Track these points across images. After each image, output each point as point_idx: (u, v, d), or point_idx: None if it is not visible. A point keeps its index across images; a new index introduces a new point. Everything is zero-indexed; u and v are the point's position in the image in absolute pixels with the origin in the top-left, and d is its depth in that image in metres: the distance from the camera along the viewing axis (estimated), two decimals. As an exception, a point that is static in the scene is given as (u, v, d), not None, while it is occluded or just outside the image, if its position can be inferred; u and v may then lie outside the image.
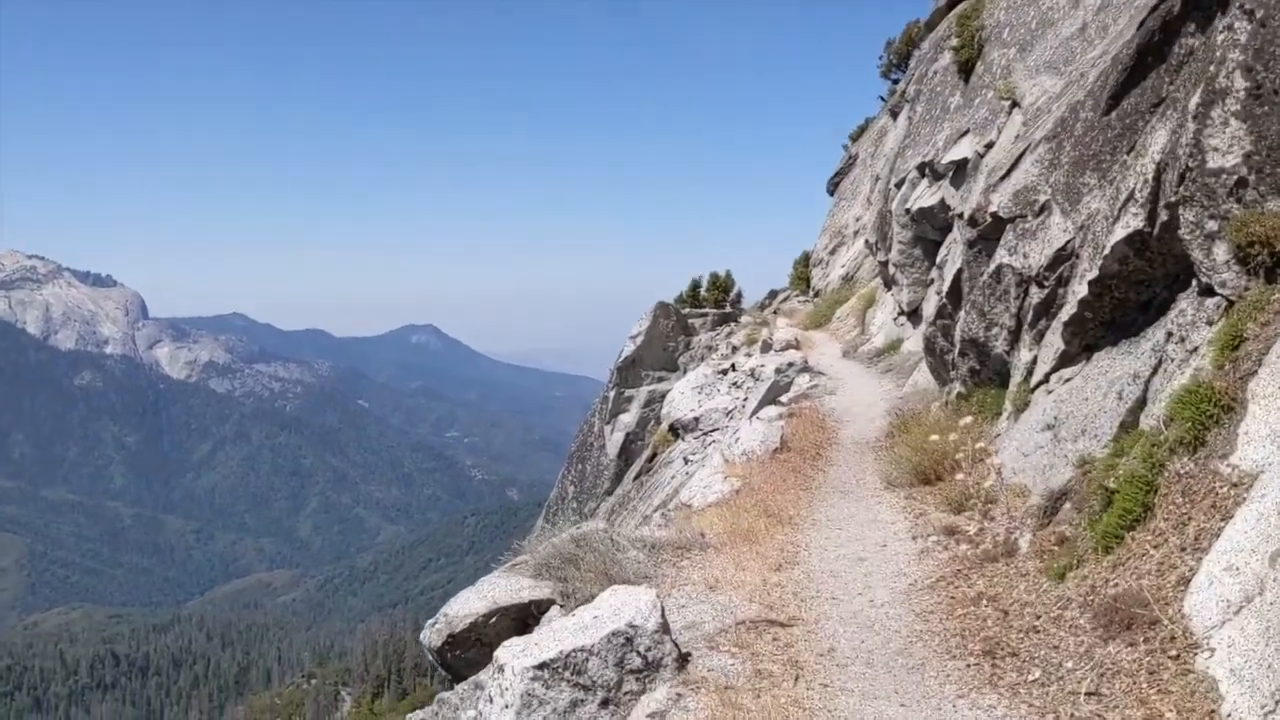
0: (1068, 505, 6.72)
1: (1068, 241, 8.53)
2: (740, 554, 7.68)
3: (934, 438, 9.42)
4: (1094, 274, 7.57)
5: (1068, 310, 8.06)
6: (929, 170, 19.35)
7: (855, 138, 44.59)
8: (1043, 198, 9.45)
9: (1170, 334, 6.67)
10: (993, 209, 10.45)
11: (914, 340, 20.33)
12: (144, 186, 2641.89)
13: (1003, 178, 11.14)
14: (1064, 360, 8.29)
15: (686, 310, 36.16)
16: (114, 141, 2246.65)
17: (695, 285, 38.89)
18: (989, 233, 10.72)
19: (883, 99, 40.87)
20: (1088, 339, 8.02)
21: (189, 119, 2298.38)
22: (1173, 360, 6.50)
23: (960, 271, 11.49)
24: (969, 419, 10.06)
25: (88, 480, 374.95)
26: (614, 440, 34.49)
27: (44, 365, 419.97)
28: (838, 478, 10.41)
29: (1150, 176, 7.03)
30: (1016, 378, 9.30)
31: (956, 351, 10.48)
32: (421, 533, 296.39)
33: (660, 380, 34.17)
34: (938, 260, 19.21)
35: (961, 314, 10.71)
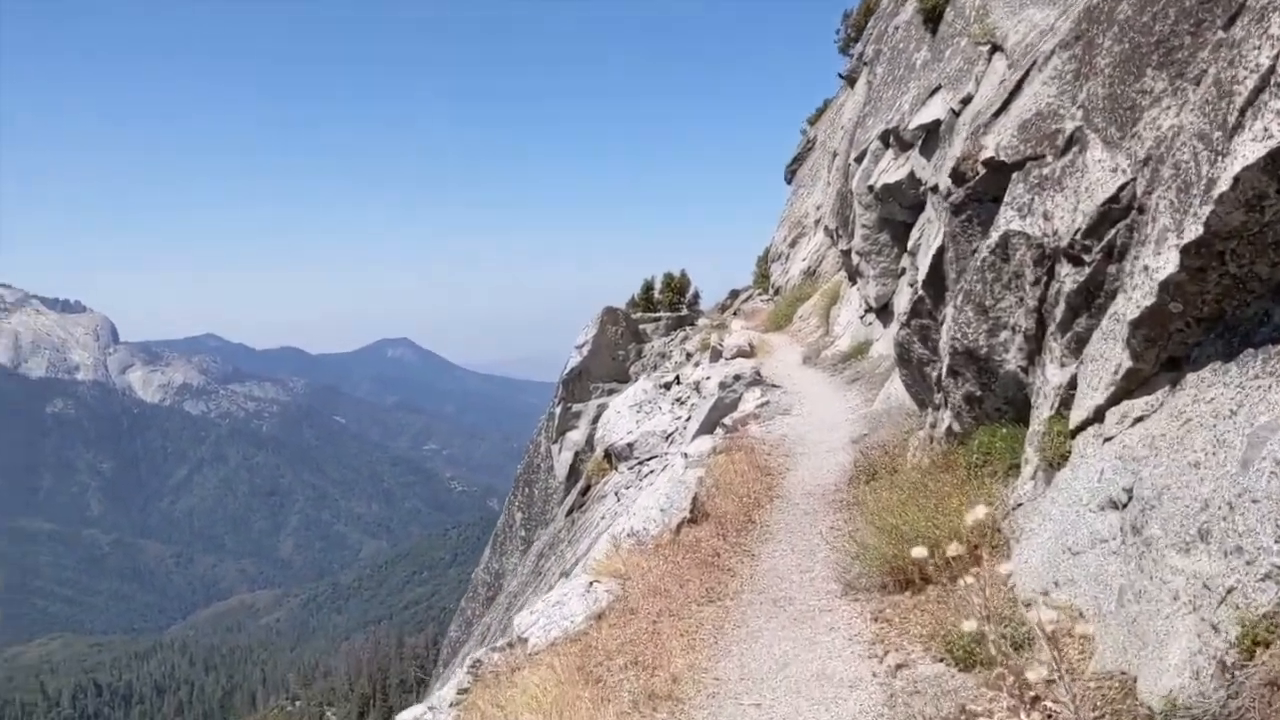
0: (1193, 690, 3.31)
1: (1123, 186, 5.10)
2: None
3: (914, 513, 6.01)
4: (1194, 233, 4.12)
5: (1137, 300, 4.61)
6: (894, 139, 16.22)
7: (814, 121, 41.52)
8: (1069, 125, 6.03)
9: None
10: (988, 153, 7.02)
11: (884, 342, 17.06)
12: (109, 209, 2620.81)
13: (996, 114, 7.75)
14: (1131, 384, 4.86)
15: (638, 315, 32.75)
16: (77, 164, 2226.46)
17: (648, 287, 35.39)
18: (984, 190, 7.31)
19: (841, 76, 37.82)
20: (1174, 348, 4.59)
21: (155, 138, 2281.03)
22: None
23: (943, 251, 8.06)
24: (964, 472, 6.64)
25: (64, 508, 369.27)
26: (562, 460, 31.06)
27: (14, 394, 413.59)
28: (771, 570, 6.94)
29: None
30: (1042, 409, 5.85)
31: (945, 367, 7.05)
32: (403, 547, 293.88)
33: (611, 393, 30.85)
34: (909, 245, 16.17)
35: (948, 310, 7.25)
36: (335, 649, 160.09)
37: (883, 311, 17.82)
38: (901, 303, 16.93)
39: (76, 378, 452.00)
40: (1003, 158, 6.69)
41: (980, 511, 3.83)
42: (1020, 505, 5.68)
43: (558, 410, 31.17)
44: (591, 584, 6.31)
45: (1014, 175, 6.57)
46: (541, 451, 32.22)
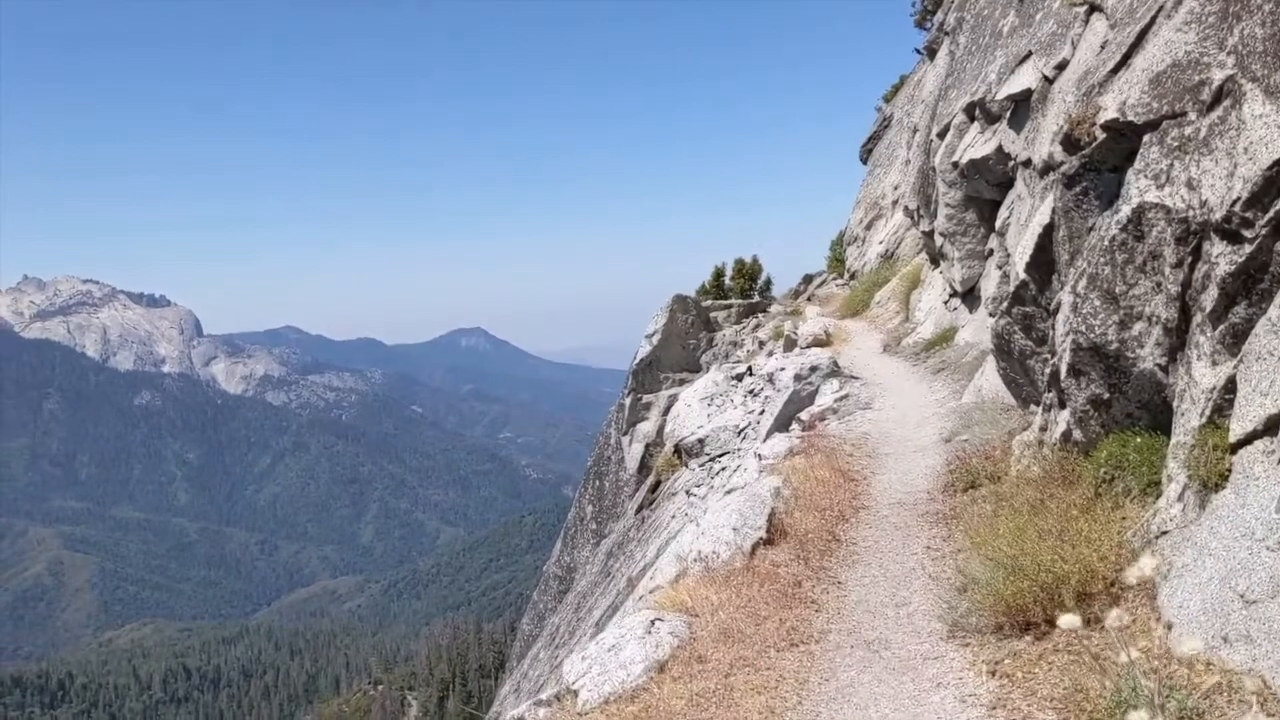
0: None
1: (1300, 144, 4.12)
2: None
3: (1032, 540, 5.05)
4: None
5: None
6: (980, 111, 15.08)
7: (889, 98, 40.17)
8: (1217, 75, 5.03)
9: None
10: (1108, 115, 6.02)
11: (972, 328, 15.96)
12: (192, 205, 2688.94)
13: (1114, 70, 6.73)
14: (1315, 392, 3.90)
15: (709, 303, 31.86)
16: (160, 162, 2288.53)
17: (719, 273, 34.48)
18: (1101, 158, 6.31)
19: (918, 51, 36.46)
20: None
21: (238, 133, 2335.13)
22: None
23: (1050, 229, 7.07)
24: (1089, 489, 5.65)
25: (153, 497, 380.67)
26: (633, 453, 30.34)
27: (104, 387, 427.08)
28: (862, 603, 6.00)
29: None
30: (1189, 417, 4.87)
31: (1064, 364, 6.06)
32: (480, 534, 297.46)
33: (681, 383, 30.06)
34: (997, 225, 15.09)
35: (1064, 298, 6.26)
36: (415, 634, 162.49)
37: (968, 296, 16.73)
38: (989, 286, 15.84)
39: (163, 370, 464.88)
40: (1130, 118, 5.69)
41: (1147, 565, 2.94)
42: (1165, 533, 4.73)
43: (628, 401, 30.46)
44: (653, 623, 5.45)
45: (1145, 138, 5.57)
46: (612, 443, 31.55)
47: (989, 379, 11.80)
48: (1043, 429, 6.87)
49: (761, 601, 5.85)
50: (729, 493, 8.93)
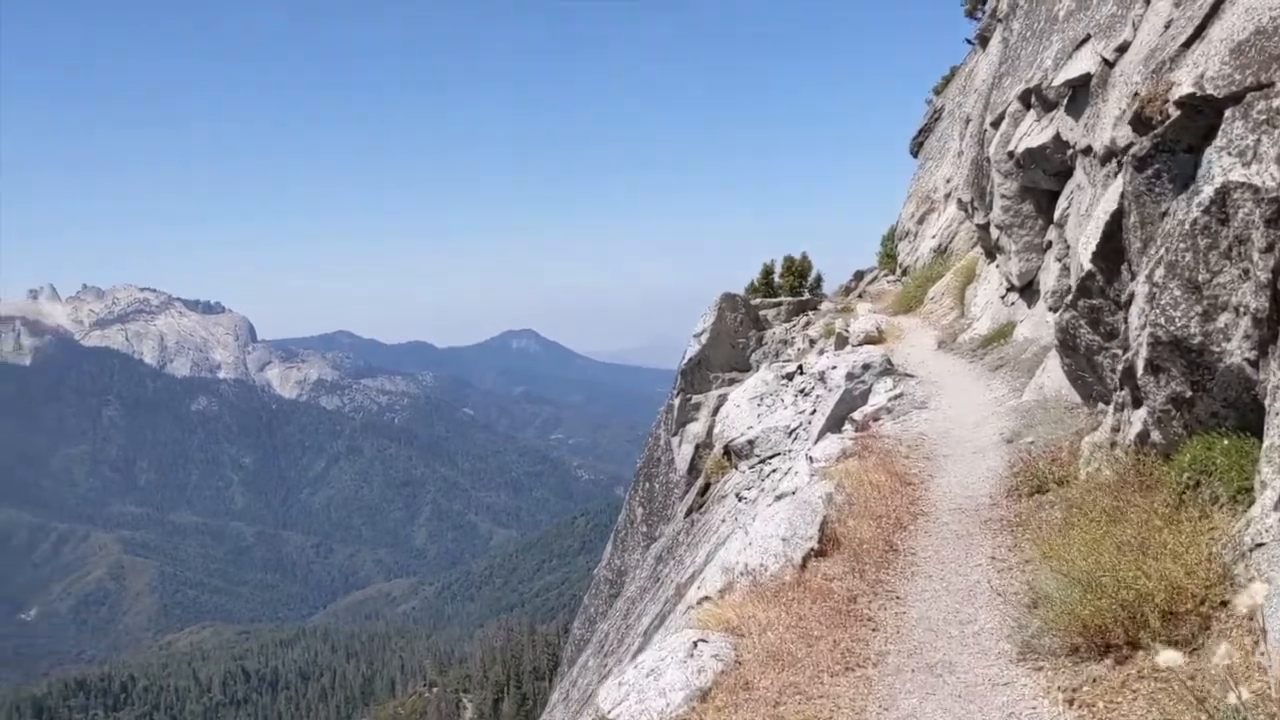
0: None
1: None
2: None
3: (1110, 552, 4.61)
4: None
5: None
6: (1036, 98, 14.54)
7: (940, 90, 39.44)
8: (1309, 39, 4.57)
9: None
10: (1184, 90, 5.57)
11: (1031, 323, 15.41)
12: (244, 213, 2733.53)
13: (1186, 44, 6.27)
14: None
15: (757, 301, 31.43)
16: (211, 170, 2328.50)
17: (767, 271, 34.02)
18: (1175, 138, 5.86)
19: (970, 41, 35.73)
20: None
21: (288, 142, 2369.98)
22: None
23: (1119, 216, 6.61)
24: (1170, 495, 5.18)
25: (210, 502, 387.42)
26: (682, 454, 30.02)
27: (162, 393, 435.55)
28: (923, 620, 5.65)
29: None
30: (1285, 418, 4.44)
31: (1141, 360, 5.60)
32: (533, 536, 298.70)
33: (731, 383, 29.67)
34: (1055, 216, 14.55)
35: (1138, 288, 5.81)
36: (469, 636, 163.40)
37: (1026, 290, 16.17)
38: (1048, 280, 15.28)
39: (218, 376, 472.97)
40: (1210, 91, 5.24)
41: (1258, 592, 2.55)
42: (1261, 545, 4.29)
43: (676, 402, 30.13)
44: (696, 644, 5.08)
45: (1226, 113, 5.13)
46: (661, 444, 31.23)
47: (1051, 376, 11.30)
48: (1115, 430, 6.41)
49: (813, 620, 5.47)
50: (779, 498, 8.56)
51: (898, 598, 6.08)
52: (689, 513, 18.80)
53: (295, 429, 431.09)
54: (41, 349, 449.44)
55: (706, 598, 7.08)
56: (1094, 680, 4.40)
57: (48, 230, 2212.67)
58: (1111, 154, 9.60)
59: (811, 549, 6.33)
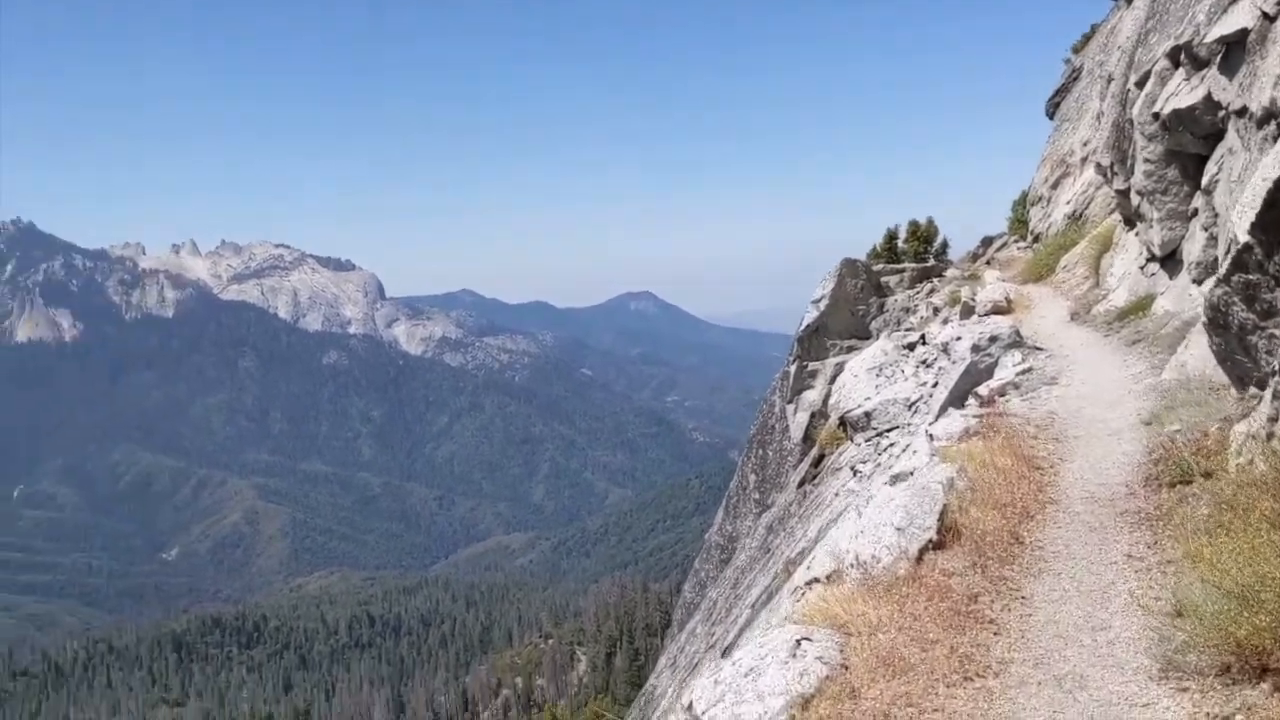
0: None
1: None
2: None
3: (1271, 560, 4.16)
4: None
5: None
6: (1185, 56, 13.63)
7: (1079, 48, 37.57)
8: None
9: None
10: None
11: (1172, 296, 14.52)
12: (374, 170, 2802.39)
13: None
14: None
15: (880, 266, 30.60)
16: (343, 128, 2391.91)
17: (891, 236, 33.06)
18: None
19: (1112, -4, 33.90)
20: None
21: (417, 101, 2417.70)
22: None
23: (1285, 182, 6.04)
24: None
25: (339, 453, 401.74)
26: (797, 422, 29.57)
27: (295, 347, 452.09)
28: (1051, 624, 5.22)
29: None
30: None
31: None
32: (647, 496, 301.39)
33: (850, 350, 29.04)
34: (1203, 182, 13.66)
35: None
36: (584, 591, 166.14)
37: (1168, 260, 15.24)
38: (1193, 250, 14.36)
39: (348, 331, 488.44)
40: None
41: None
42: None
43: (793, 369, 29.67)
44: (799, 643, 4.77)
45: None
46: (776, 412, 30.83)
47: (1195, 354, 10.60)
48: (1272, 419, 5.89)
49: (929, 621, 5.15)
50: (896, 478, 8.18)
51: (1023, 598, 5.61)
52: (801, 484, 18.46)
53: (420, 384, 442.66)
54: (183, 302, 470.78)
55: (816, 580, 6.82)
56: (1248, 707, 3.99)
57: (190, 187, 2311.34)
58: (1271, 115, 8.89)
59: (929, 540, 6.00)
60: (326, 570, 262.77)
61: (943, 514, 5.96)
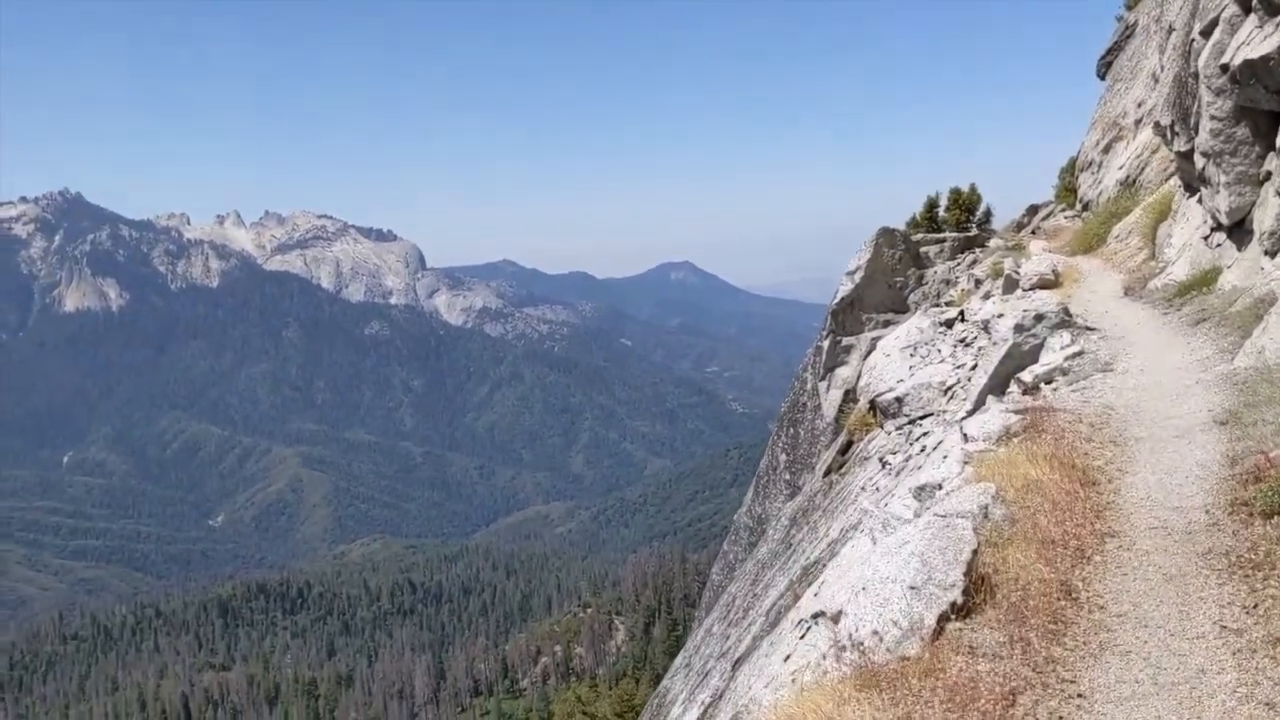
0: None
1: None
2: None
3: None
4: None
5: None
6: (1259, 0, 12.13)
7: (1133, 4, 35.52)
8: None
9: None
10: None
11: (1241, 269, 13.02)
12: (417, 140, 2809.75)
13: None
14: None
15: (919, 236, 29.03)
16: (387, 97, 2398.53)
17: (931, 205, 31.35)
18: None
19: (1174, -55, 31.82)
20: None
21: (453, 72, 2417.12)
22: None
23: None
24: None
25: (381, 422, 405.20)
26: (830, 400, 28.19)
27: (338, 317, 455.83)
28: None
29: None
30: None
31: None
32: (686, 466, 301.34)
33: (887, 324, 27.60)
34: (1278, 143, 12.21)
35: None
36: (622, 561, 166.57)
37: (1236, 229, 13.72)
38: (1266, 218, 12.85)
39: (390, 301, 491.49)
40: None
41: None
42: None
43: (826, 344, 28.29)
44: None
45: None
46: (808, 389, 29.48)
47: (1274, 337, 9.19)
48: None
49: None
50: (921, 490, 6.86)
51: (1080, 695, 4.13)
52: (828, 472, 17.18)
53: (461, 354, 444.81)
54: (228, 272, 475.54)
55: (821, 613, 5.59)
56: None
57: (234, 157, 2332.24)
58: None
59: (951, 603, 4.56)
60: (369, 537, 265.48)
61: (971, 561, 4.52)
